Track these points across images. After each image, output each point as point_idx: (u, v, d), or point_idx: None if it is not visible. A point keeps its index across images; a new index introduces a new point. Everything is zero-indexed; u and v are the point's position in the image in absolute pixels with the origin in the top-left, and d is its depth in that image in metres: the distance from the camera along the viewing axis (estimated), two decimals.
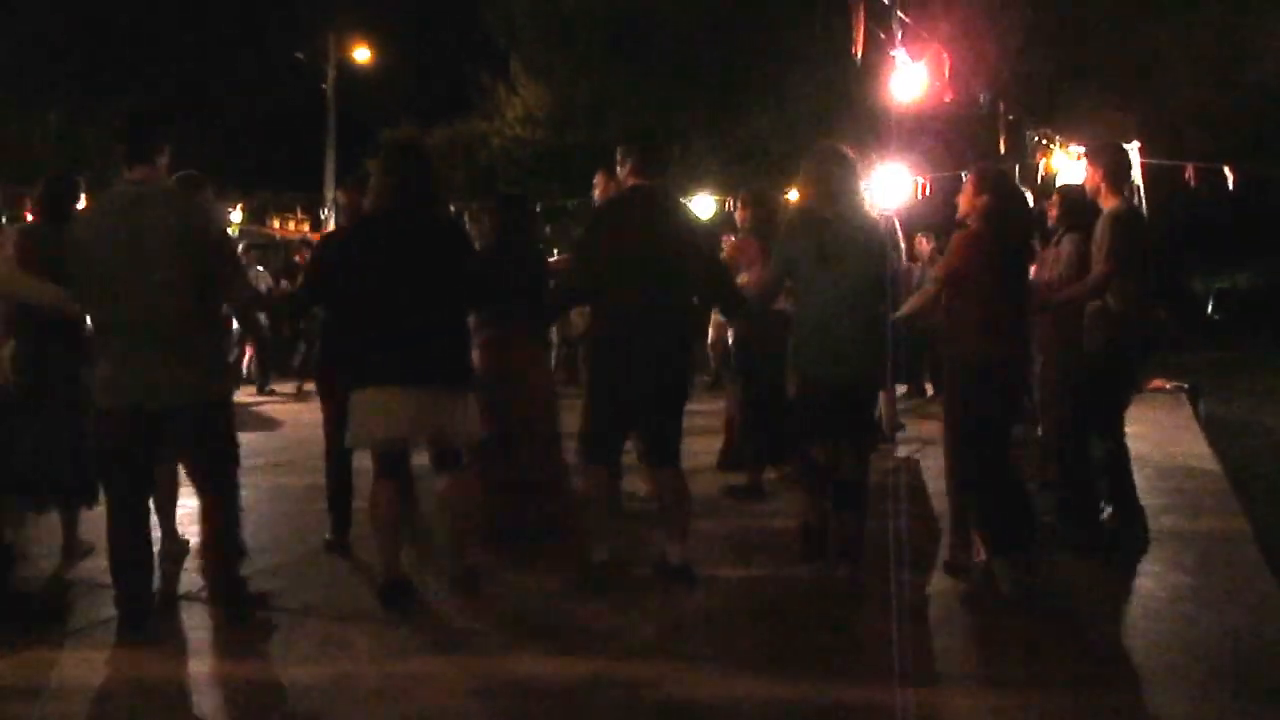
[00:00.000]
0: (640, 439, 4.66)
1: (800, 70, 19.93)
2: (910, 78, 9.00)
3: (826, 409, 4.46)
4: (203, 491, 4.00)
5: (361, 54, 25.44)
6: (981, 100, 11.02)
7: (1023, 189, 4.83)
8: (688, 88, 21.71)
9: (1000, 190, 4.59)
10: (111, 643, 3.82)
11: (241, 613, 4.02)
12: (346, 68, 25.36)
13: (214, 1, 27.69)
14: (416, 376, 4.05)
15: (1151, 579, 4.63)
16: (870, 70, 9.49)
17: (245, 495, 4.45)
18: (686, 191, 18.79)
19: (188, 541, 4.94)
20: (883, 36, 8.79)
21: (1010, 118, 11.16)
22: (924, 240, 11.14)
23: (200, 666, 3.71)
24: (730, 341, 7.06)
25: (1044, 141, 11.86)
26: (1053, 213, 5.64)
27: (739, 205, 6.88)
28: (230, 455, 4.08)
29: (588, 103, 23.18)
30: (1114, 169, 5.13)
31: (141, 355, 3.75)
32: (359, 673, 3.59)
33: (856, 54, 8.33)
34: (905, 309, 4.87)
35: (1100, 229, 5.02)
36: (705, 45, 21.28)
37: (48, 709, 3.32)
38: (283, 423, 10.05)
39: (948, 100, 9.56)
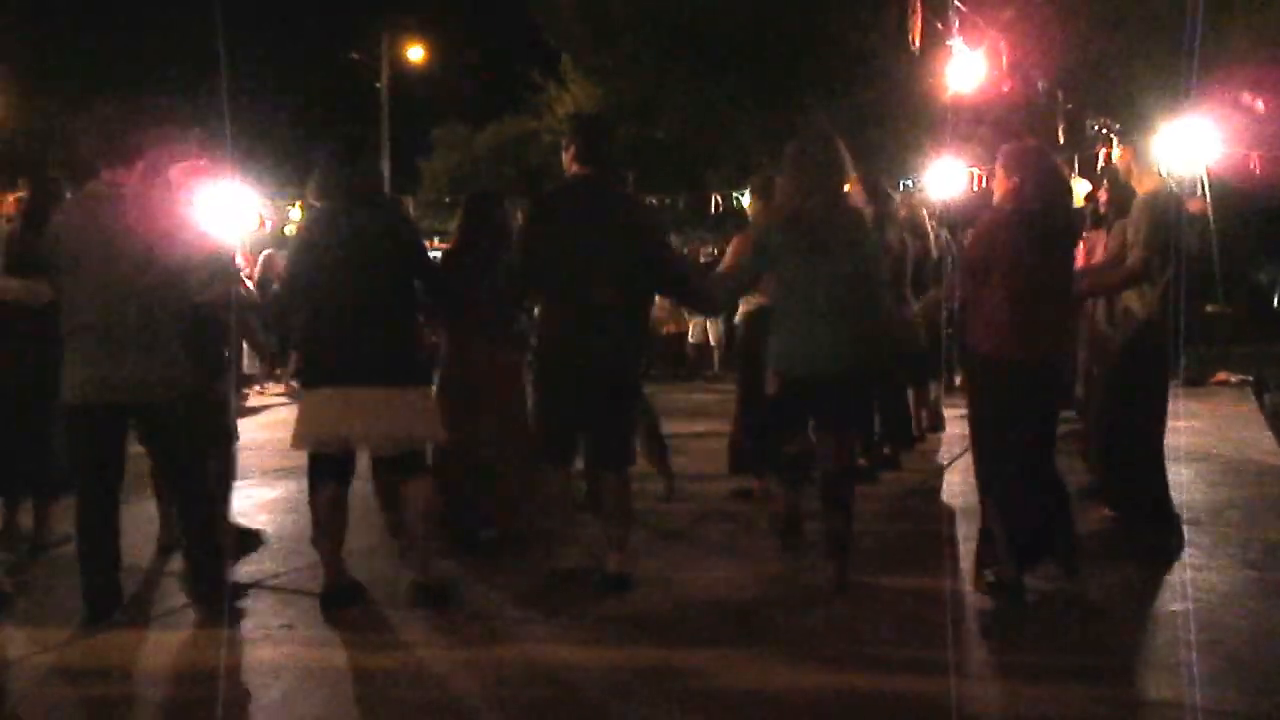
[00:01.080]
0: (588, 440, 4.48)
1: (853, 62, 19.76)
2: (967, 67, 8.90)
3: (804, 403, 4.32)
4: (173, 488, 4.05)
5: (415, 53, 25.72)
6: (1040, 89, 10.84)
7: (1063, 169, 4.52)
8: (738, 82, 21.63)
9: (1034, 171, 4.24)
10: (179, 629, 3.92)
11: (220, 608, 3.95)
12: (400, 67, 25.64)
13: (269, 3, 28.10)
14: (361, 376, 3.96)
15: (1215, 573, 4.54)
16: (927, 60, 9.38)
17: (290, 492, 4.50)
18: (737, 186, 18.74)
19: (258, 531, 5.04)
20: (940, 26, 8.70)
21: (1069, 107, 10.97)
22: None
23: (256, 653, 3.76)
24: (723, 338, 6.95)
25: (1105, 131, 11.64)
26: (1103, 197, 5.49)
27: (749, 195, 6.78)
28: (198, 452, 4.12)
29: (637, 100, 23.18)
30: (1144, 150, 4.99)
31: (109, 352, 3.84)
32: (408, 660, 3.63)
33: (914, 44, 8.23)
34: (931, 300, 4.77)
35: (1136, 212, 4.82)
36: (756, 39, 21.17)
37: (113, 690, 3.41)
38: None
39: (1005, 90, 9.44)
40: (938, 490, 6.37)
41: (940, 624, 3.94)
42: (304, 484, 4.23)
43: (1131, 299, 4.97)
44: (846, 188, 4.46)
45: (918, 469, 6.87)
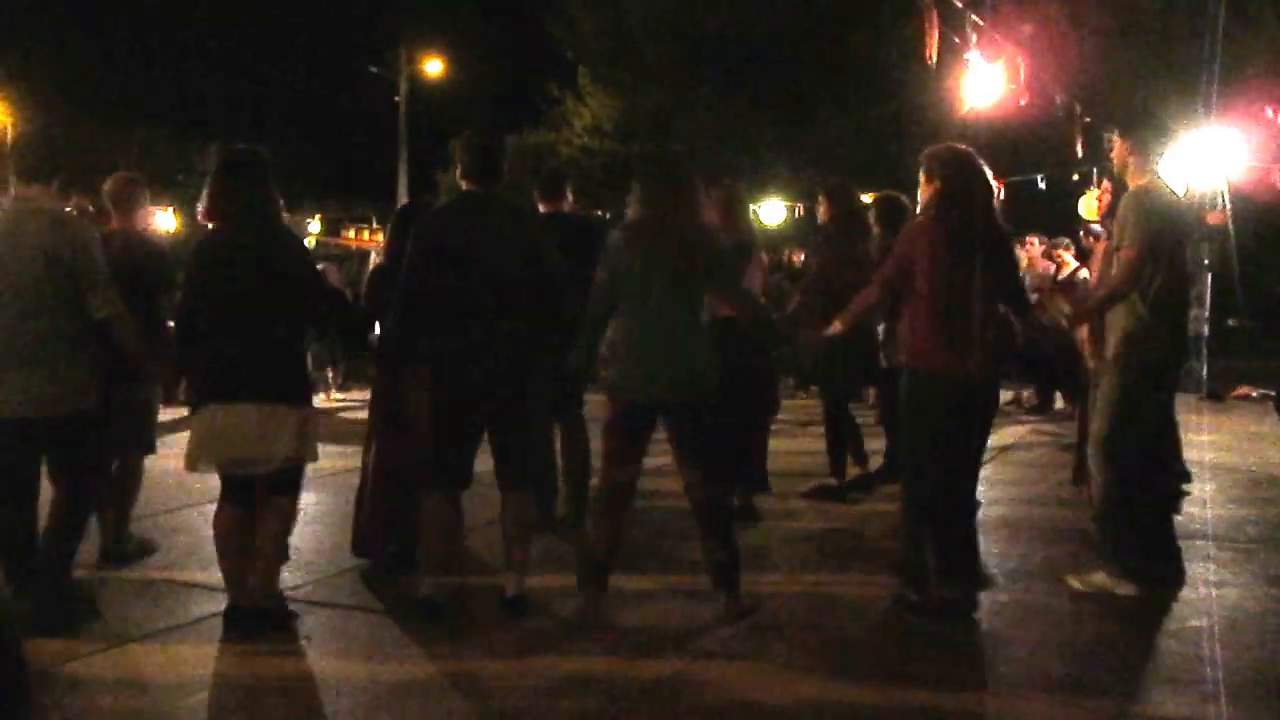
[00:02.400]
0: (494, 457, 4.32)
1: (870, 75, 19.79)
2: (984, 81, 8.89)
3: (643, 430, 4.11)
4: (56, 490, 4.09)
5: (433, 67, 25.88)
6: (1058, 103, 10.81)
7: (987, 173, 4.21)
8: (755, 96, 21.68)
9: (953, 174, 4.12)
10: (201, 641, 3.93)
11: (50, 616, 3.90)
12: (418, 81, 25.81)
13: (289, 18, 28.37)
14: (240, 393, 3.92)
15: (1235, 589, 4.51)
16: (943, 74, 9.36)
17: (309, 504, 4.49)
18: (755, 199, 18.74)
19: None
20: (956, 40, 8.69)
21: (1087, 120, 10.93)
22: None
23: (275, 666, 3.78)
24: None
25: None
26: (1105, 199, 5.29)
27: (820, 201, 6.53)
28: (88, 468, 4.16)
29: (654, 112, 23.26)
30: (1146, 142, 4.54)
31: (9, 368, 3.94)
32: (429, 671, 3.64)
33: (930, 58, 8.21)
34: (844, 317, 4.46)
35: (1122, 207, 4.42)
36: (772, 53, 21.22)
37: (137, 702, 3.44)
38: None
39: (1023, 104, 9.41)
40: None
41: (952, 638, 3.93)
42: (322, 496, 4.24)
43: (1118, 313, 4.47)
44: (696, 205, 4.16)
45: None
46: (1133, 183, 4.49)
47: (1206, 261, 12.13)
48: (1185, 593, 4.45)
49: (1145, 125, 4.69)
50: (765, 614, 4.19)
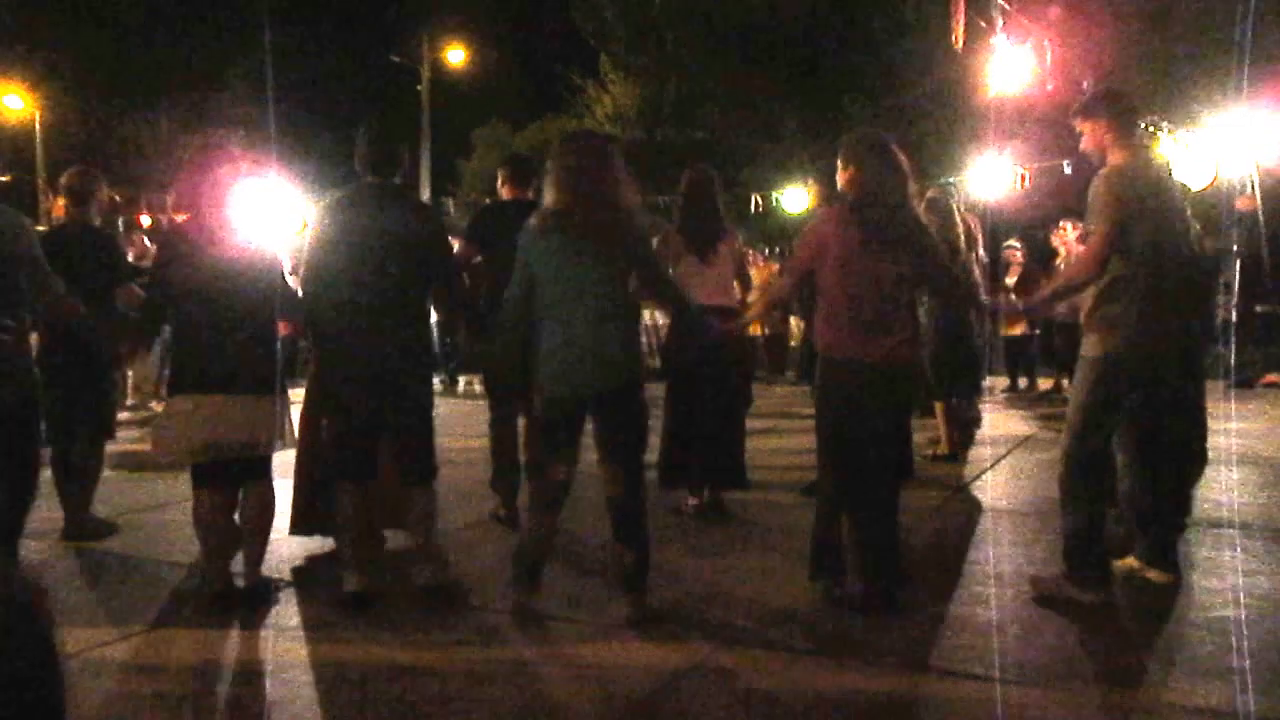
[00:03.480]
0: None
1: (895, 60, 19.65)
2: (1011, 66, 8.80)
3: (573, 425, 3.95)
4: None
5: (455, 55, 25.91)
6: (1085, 87, 10.70)
7: (903, 160, 4.12)
8: (778, 82, 21.58)
9: (869, 161, 4.07)
10: (224, 626, 3.97)
11: None
12: (440, 69, 25.85)
13: (312, 6, 28.44)
14: (223, 384, 4.00)
15: (1266, 578, 4.46)
16: (970, 59, 9.28)
17: None
18: (777, 185, 18.70)
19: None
20: (983, 24, 8.61)
21: None
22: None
23: (297, 650, 3.81)
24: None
25: (1150, 129, 11.48)
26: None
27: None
28: (32, 454, 4.19)
29: (678, 100, 23.23)
30: (1121, 117, 4.18)
31: None
32: (449, 658, 3.66)
33: (957, 43, 8.14)
34: (755, 306, 4.36)
35: (1092, 190, 4.11)
36: (796, 38, 21.13)
37: (162, 686, 3.47)
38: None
39: (1050, 88, 9.31)
40: (970, 496, 6.32)
41: (981, 629, 3.91)
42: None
43: (1087, 302, 4.21)
44: (618, 189, 3.98)
45: (947, 478, 6.81)
46: (1111, 159, 4.16)
47: (1235, 247, 11.99)
48: (1214, 582, 4.41)
49: (1118, 98, 4.31)
50: (779, 606, 4.19)
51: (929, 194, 6.45)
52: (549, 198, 3.93)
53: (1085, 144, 4.23)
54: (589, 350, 3.83)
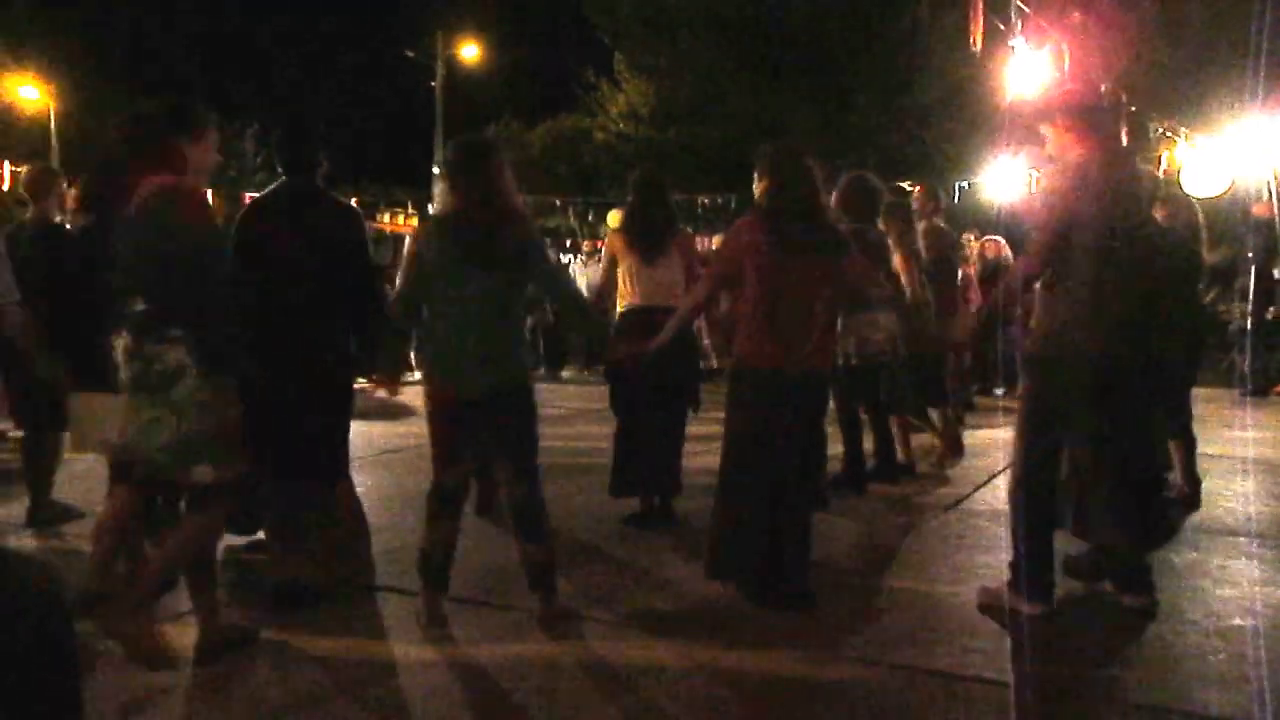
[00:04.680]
0: None
1: (909, 61, 19.61)
2: (1029, 68, 8.75)
3: (466, 425, 3.96)
4: None
5: (469, 52, 25.95)
6: (1103, 91, 10.65)
7: (815, 172, 4.16)
8: (792, 82, 21.56)
9: (781, 172, 4.11)
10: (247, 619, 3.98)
11: None
12: (454, 66, 25.90)
13: (327, 3, 28.49)
14: (109, 382, 3.87)
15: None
16: (987, 61, 9.25)
17: (357, 484, 4.53)
18: None
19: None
20: (1001, 27, 8.58)
21: (1133, 109, 10.77)
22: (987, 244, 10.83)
23: (317, 645, 3.82)
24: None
25: (1168, 134, 11.43)
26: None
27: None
28: None
29: (691, 99, 23.22)
30: (1077, 118, 4.03)
31: None
32: (462, 654, 3.66)
33: (975, 45, 8.10)
34: (672, 321, 4.32)
35: (1040, 190, 4.28)
36: (810, 38, 21.10)
37: (183, 679, 3.47)
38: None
39: (1068, 91, 9.25)
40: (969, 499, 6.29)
41: (991, 633, 3.89)
42: (374, 478, 4.29)
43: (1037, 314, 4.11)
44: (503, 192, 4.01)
45: (956, 480, 6.78)
46: (1064, 155, 4.08)
47: (1250, 254, 11.93)
48: (1229, 591, 4.38)
49: (1073, 106, 4.11)
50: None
51: (885, 200, 6.38)
52: (441, 203, 3.99)
53: (1050, 148, 4.15)
54: (474, 351, 3.88)
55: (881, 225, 6.28)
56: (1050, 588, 4.05)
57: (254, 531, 4.63)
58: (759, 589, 4.15)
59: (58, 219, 5.38)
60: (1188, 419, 5.88)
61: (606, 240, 5.57)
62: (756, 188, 4.28)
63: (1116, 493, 4.14)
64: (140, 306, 3.47)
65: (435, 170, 24.45)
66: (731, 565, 4.22)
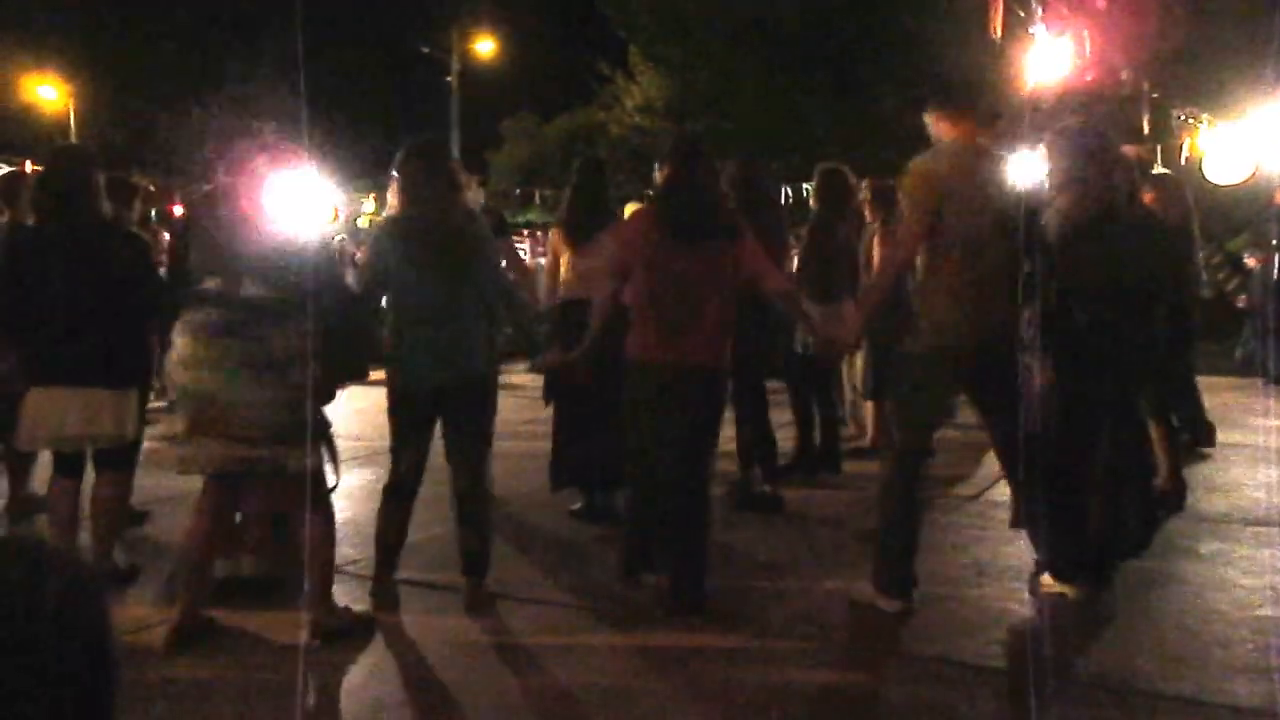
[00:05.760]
0: None
1: (927, 49, 19.49)
2: (1049, 56, 8.69)
3: (424, 419, 4.08)
4: None
5: (484, 46, 25.95)
6: (1124, 78, 10.57)
7: (713, 164, 4.14)
8: (808, 73, 21.46)
9: (678, 162, 4.05)
10: (264, 612, 4.01)
11: None
12: (470, 60, 25.91)
13: None
14: (78, 377, 4.05)
15: None
16: (1006, 50, 9.19)
17: (367, 479, 4.55)
18: (807, 175, 18.55)
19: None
20: (1021, 14, 8.52)
21: (1155, 96, 10.69)
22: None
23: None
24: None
25: (1190, 120, 11.32)
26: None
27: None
28: None
29: (706, 91, 23.14)
30: (950, 106, 4.04)
31: None
32: (482, 644, 3.68)
33: (995, 32, 8.05)
34: (594, 315, 4.23)
35: (906, 178, 4.04)
36: (826, 28, 21.00)
37: (199, 673, 3.51)
38: None
39: (1089, 79, 9.20)
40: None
41: (1009, 624, 3.89)
42: (381, 472, 4.33)
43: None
44: (452, 192, 4.12)
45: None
46: (944, 134, 4.07)
47: (1275, 242, 11.80)
48: (1254, 581, 4.35)
49: (947, 94, 4.13)
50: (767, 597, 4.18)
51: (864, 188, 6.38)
52: (395, 204, 4.16)
53: (932, 134, 4.11)
54: (432, 346, 3.98)
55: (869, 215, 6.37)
56: (909, 583, 3.97)
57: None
58: (671, 590, 4.02)
59: (30, 221, 5.39)
60: (1183, 410, 5.78)
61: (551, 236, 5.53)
62: (658, 177, 4.25)
63: (1039, 484, 3.99)
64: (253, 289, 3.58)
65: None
66: (639, 564, 4.20)
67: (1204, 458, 6.52)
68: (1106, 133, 4.35)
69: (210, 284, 3.62)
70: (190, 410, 3.56)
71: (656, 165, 4.27)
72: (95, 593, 1.20)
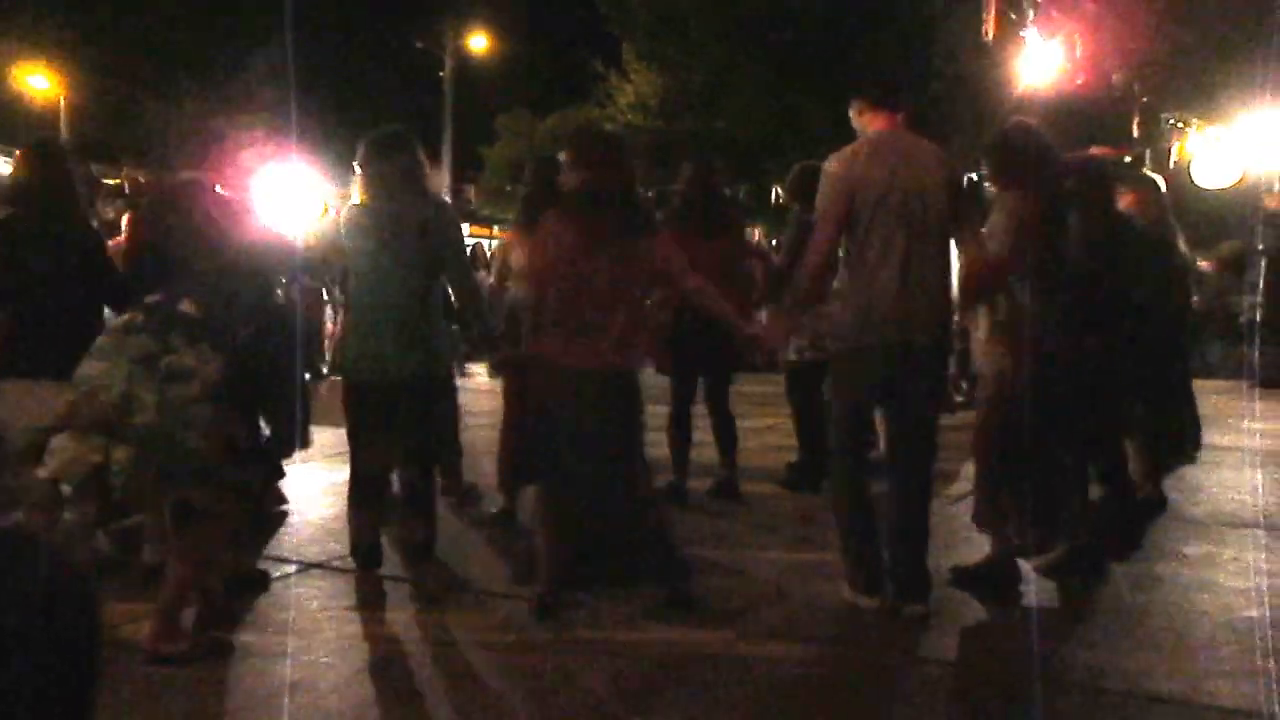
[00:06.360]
0: None
1: (919, 50, 19.53)
2: (1040, 59, 8.72)
3: (382, 413, 4.04)
4: None
5: (478, 42, 25.89)
6: (1115, 82, 10.61)
7: (625, 163, 4.03)
8: (802, 72, 21.46)
9: (586, 160, 3.93)
10: (250, 608, 4.00)
11: None
12: (463, 56, 25.85)
13: None
14: (36, 370, 4.00)
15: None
16: (999, 52, 9.21)
17: None
18: None
19: None
20: (1013, 17, 8.55)
21: (1145, 100, 10.73)
22: None
23: (322, 633, 3.84)
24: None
25: (1179, 125, 11.37)
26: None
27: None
28: None
29: (700, 89, 23.13)
30: (864, 102, 4.02)
31: None
32: (468, 640, 3.68)
33: (987, 35, 8.08)
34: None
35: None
36: (819, 28, 21.01)
37: (192, 668, 3.50)
38: None
39: (1079, 82, 9.24)
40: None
41: (996, 629, 3.90)
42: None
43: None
44: (418, 183, 4.11)
45: None
46: (864, 124, 4.07)
47: (1261, 246, 11.87)
48: (1240, 583, 4.38)
49: (861, 89, 4.09)
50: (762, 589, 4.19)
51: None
52: (360, 196, 4.12)
53: (855, 126, 4.08)
54: (391, 339, 3.98)
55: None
56: (880, 578, 3.93)
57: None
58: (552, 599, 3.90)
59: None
60: (1177, 413, 5.81)
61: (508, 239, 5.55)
62: (570, 180, 4.10)
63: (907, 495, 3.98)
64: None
65: (446, 161, 24.46)
66: (529, 572, 4.09)
67: (1191, 461, 6.55)
68: (1045, 132, 4.33)
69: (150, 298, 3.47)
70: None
71: (568, 164, 4.15)
72: (84, 585, 1.20)
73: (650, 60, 23.82)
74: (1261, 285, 12.02)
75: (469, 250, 9.30)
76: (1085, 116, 13.84)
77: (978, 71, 13.87)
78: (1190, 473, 6.27)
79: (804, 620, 3.93)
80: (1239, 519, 5.33)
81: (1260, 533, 5.09)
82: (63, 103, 23.78)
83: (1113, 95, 10.76)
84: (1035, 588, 4.22)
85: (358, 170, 4.13)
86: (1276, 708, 3.22)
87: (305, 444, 4.07)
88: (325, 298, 11.81)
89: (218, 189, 4.28)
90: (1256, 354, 11.46)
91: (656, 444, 5.52)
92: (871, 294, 3.84)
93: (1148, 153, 11.30)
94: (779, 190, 18.20)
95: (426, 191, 4.15)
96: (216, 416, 3.32)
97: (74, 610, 1.11)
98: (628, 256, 3.90)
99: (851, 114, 4.11)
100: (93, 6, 23.58)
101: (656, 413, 5.54)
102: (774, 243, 16.59)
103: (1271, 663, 3.52)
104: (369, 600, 4.11)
